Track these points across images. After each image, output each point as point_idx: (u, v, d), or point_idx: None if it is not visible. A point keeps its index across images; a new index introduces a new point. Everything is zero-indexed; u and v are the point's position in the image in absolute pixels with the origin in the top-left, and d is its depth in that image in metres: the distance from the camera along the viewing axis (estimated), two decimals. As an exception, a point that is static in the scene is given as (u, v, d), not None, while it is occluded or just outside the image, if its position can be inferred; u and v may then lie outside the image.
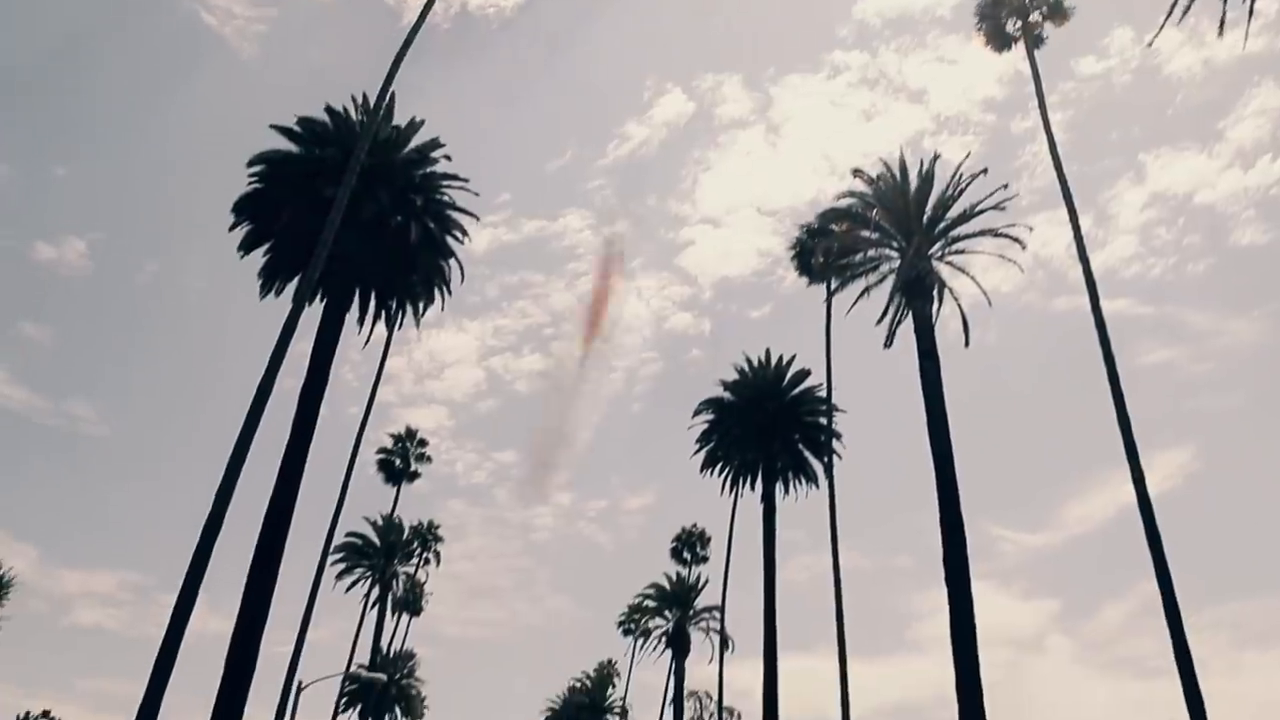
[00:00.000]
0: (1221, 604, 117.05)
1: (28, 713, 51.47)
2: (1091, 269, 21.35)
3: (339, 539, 47.64)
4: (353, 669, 44.00)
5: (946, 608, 24.80)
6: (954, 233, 29.98)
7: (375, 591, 53.77)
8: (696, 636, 55.57)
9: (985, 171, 29.13)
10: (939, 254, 29.96)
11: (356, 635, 48.97)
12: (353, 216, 24.55)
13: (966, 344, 30.67)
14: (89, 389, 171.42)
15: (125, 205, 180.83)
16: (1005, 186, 29.18)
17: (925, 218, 29.90)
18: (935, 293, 29.40)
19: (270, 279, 28.42)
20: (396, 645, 61.03)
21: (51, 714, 51.84)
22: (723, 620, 48.72)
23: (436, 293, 30.63)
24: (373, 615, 53.08)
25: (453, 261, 30.41)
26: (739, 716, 66.60)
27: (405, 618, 59.51)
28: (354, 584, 53.84)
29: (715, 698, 48.07)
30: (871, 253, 31.57)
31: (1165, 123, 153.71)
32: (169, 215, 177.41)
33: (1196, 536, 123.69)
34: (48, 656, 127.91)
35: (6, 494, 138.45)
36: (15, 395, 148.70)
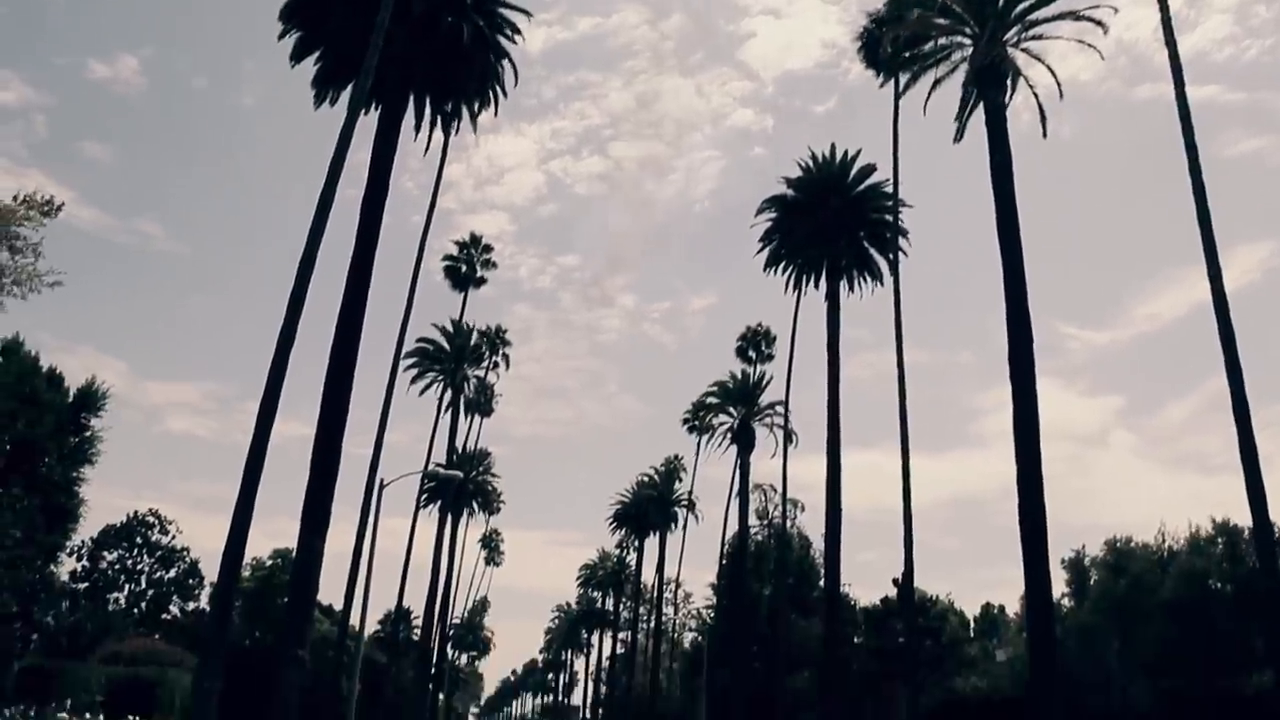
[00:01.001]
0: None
1: (135, 511, 55.24)
2: (1178, 52, 20.04)
3: (409, 345, 48.95)
4: (430, 468, 46.12)
5: (1009, 404, 24.90)
6: (1031, 16, 28.24)
7: (448, 395, 55.49)
8: (761, 432, 56.71)
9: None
10: (1014, 40, 28.38)
11: (432, 437, 51.22)
12: (402, 17, 23.90)
13: (1044, 134, 29.56)
14: (156, 206, 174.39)
15: (173, 19, 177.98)
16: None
17: (1001, 1, 28.16)
18: (1009, 81, 28.06)
19: (324, 88, 28.07)
20: (470, 445, 63.65)
21: (157, 511, 55.46)
22: (786, 416, 49.74)
23: (491, 95, 30.07)
24: (446, 418, 55.11)
25: (506, 62, 29.68)
26: (803, 508, 68.98)
27: (477, 419, 61.81)
28: (426, 388, 55.62)
29: (780, 490, 49.72)
30: (943, 41, 30.05)
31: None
32: (218, 27, 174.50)
33: (1269, 331, 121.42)
34: (147, 462, 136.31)
35: (89, 311, 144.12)
36: (85, 215, 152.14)
